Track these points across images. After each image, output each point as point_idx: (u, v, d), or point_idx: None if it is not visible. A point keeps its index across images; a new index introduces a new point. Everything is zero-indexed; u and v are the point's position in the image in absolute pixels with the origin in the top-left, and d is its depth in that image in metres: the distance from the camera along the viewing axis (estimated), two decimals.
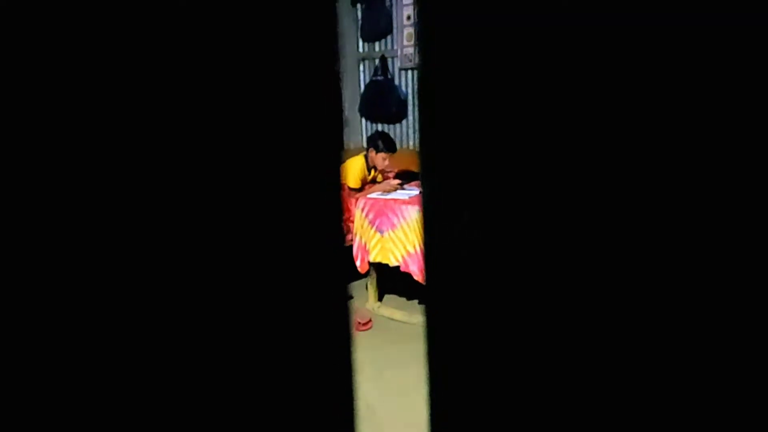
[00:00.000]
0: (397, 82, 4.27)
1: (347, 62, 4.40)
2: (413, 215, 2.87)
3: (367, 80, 4.45)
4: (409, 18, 4.11)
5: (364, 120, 4.63)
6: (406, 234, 2.91)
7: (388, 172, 3.52)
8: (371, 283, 3.24)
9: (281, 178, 0.31)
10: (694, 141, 0.28)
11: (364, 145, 3.80)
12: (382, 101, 4.26)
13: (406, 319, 3.05)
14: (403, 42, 4.17)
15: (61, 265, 0.29)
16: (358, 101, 4.46)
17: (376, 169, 3.50)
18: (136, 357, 0.31)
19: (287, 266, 0.32)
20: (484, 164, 0.33)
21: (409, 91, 4.25)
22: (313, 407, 0.34)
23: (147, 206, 0.29)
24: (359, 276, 3.21)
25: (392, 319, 3.10)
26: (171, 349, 0.31)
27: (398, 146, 3.58)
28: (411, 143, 4.26)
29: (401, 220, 2.93)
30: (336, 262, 0.33)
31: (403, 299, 3.30)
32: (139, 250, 0.30)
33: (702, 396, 0.30)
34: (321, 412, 0.34)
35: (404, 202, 2.98)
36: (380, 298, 3.30)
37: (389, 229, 2.97)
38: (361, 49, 4.55)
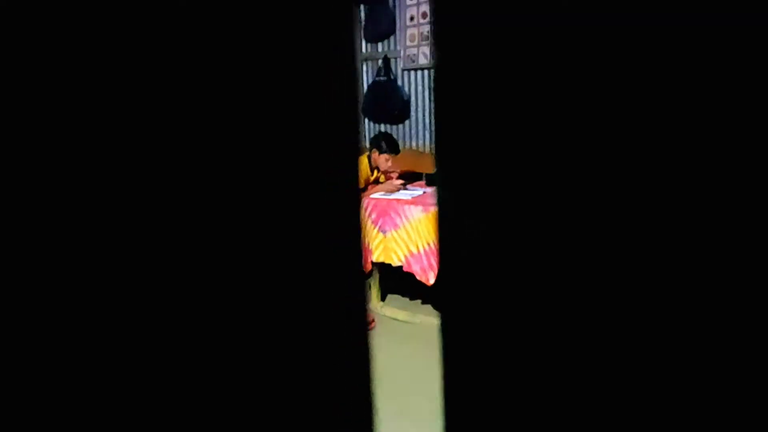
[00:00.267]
0: (399, 82, 4.27)
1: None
2: (416, 215, 2.88)
3: (370, 81, 4.45)
4: (412, 18, 4.11)
5: (366, 120, 4.63)
6: (408, 234, 2.92)
7: (390, 172, 3.53)
8: (374, 283, 3.24)
9: (302, 177, 0.31)
10: (714, 143, 0.29)
11: (367, 145, 3.81)
12: (384, 102, 4.26)
13: (409, 318, 3.05)
14: (406, 43, 4.17)
15: (84, 265, 0.29)
16: (361, 102, 4.46)
17: (378, 169, 3.50)
18: (158, 357, 0.31)
19: (305, 264, 0.32)
20: (498, 165, 0.33)
21: (412, 91, 4.25)
22: (332, 404, 0.34)
23: (173, 207, 0.29)
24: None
25: (395, 319, 3.10)
26: (191, 347, 0.32)
27: (401, 147, 3.58)
28: (413, 144, 4.26)
29: (404, 220, 2.93)
30: (353, 259, 0.33)
31: (406, 299, 3.30)
32: (160, 250, 0.30)
33: (724, 399, 0.30)
34: (339, 408, 0.35)
35: (407, 202, 2.99)
36: (383, 298, 3.30)
37: (392, 229, 2.98)
38: (364, 50, 4.55)
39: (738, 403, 0.30)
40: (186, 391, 0.32)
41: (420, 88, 4.21)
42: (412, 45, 4.14)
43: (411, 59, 4.18)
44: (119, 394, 0.31)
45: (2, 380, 0.29)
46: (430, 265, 2.83)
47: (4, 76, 0.27)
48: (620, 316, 0.32)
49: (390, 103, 4.24)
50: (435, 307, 3.09)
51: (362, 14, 4.39)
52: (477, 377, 0.36)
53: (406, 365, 2.48)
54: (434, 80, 0.35)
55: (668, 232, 0.30)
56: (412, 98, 4.26)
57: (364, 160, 3.47)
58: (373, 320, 3.04)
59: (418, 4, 4.05)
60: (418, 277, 2.89)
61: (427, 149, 4.13)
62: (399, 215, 2.95)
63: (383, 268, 3.15)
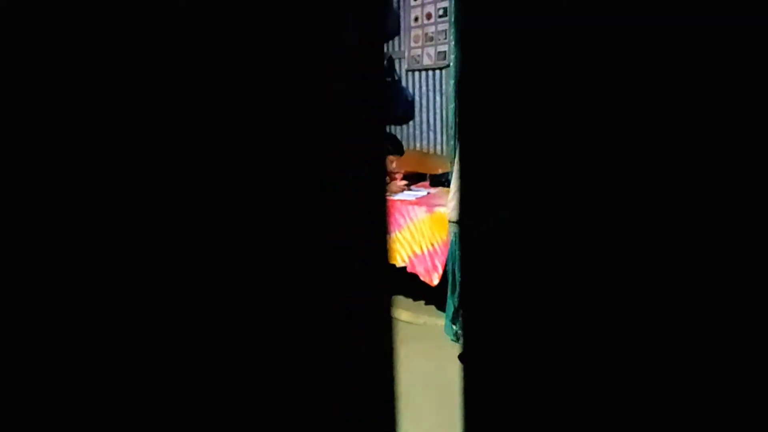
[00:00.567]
0: (404, 83, 4.27)
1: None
2: (420, 216, 2.88)
3: None
4: (416, 19, 4.11)
5: None
6: (412, 235, 2.92)
7: (395, 173, 3.53)
8: None
9: (331, 175, 0.31)
10: (730, 144, 0.29)
11: None
12: (389, 103, 4.26)
13: (413, 319, 3.05)
14: (411, 44, 4.17)
15: (80, 265, 0.29)
16: None
17: None
18: (182, 353, 0.31)
19: (335, 258, 0.32)
20: (518, 163, 0.33)
21: (416, 92, 4.25)
22: (357, 394, 0.35)
23: (204, 209, 0.30)
24: None
25: (399, 320, 3.10)
26: (217, 344, 0.32)
27: (405, 148, 3.58)
28: (418, 145, 4.26)
29: (408, 221, 2.93)
30: (381, 255, 0.33)
31: (410, 300, 3.29)
32: (189, 251, 0.30)
33: (744, 399, 0.31)
34: (364, 399, 0.35)
35: (411, 202, 2.99)
36: None
37: (396, 230, 2.98)
38: None
39: (744, 403, 0.30)
40: (206, 387, 0.33)
41: (424, 89, 4.20)
42: (417, 46, 4.14)
43: (415, 60, 4.18)
44: (127, 391, 0.31)
45: (2, 380, 0.29)
46: (434, 265, 2.83)
47: (4, 76, 0.27)
48: (641, 322, 0.32)
49: (394, 103, 4.24)
50: (439, 308, 3.09)
51: None
52: (496, 382, 0.36)
53: (410, 366, 2.48)
54: (457, 79, 0.36)
55: (687, 233, 0.30)
56: (417, 99, 4.25)
57: None
58: None
59: (422, 5, 4.05)
60: (421, 278, 2.89)
61: (432, 150, 4.13)
62: (403, 216, 2.95)
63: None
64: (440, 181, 3.34)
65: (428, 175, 3.58)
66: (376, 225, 0.33)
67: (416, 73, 4.22)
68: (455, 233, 2.42)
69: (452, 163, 2.70)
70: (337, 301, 0.32)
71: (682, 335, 0.31)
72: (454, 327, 2.68)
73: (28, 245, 0.29)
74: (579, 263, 0.33)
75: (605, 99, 0.31)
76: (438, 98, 4.07)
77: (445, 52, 3.85)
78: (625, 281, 0.32)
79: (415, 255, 2.91)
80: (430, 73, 4.11)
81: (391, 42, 4.32)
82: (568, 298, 0.34)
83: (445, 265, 2.73)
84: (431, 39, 4.03)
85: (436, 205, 2.86)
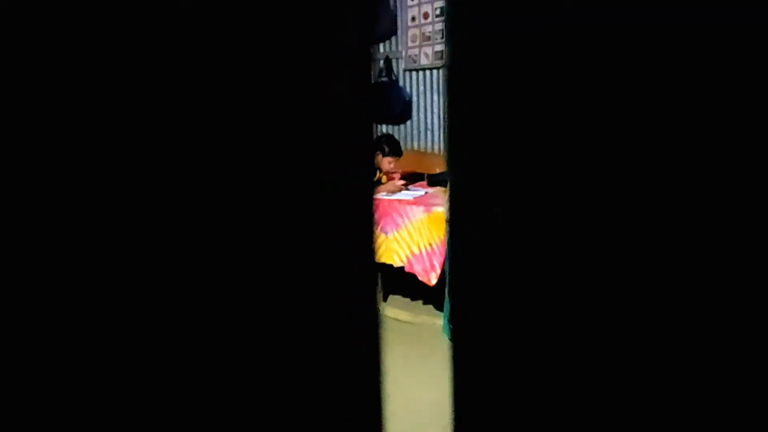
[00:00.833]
0: (401, 83, 4.27)
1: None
2: (418, 216, 2.88)
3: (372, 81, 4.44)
4: (413, 19, 4.11)
5: None
6: (410, 234, 2.92)
7: (392, 173, 3.53)
8: None
9: (316, 176, 0.32)
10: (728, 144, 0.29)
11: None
12: (386, 103, 4.26)
13: (411, 319, 3.05)
14: (408, 43, 4.17)
15: (83, 265, 0.29)
16: None
17: (380, 171, 3.50)
18: (168, 360, 0.31)
19: (320, 261, 0.32)
20: (509, 161, 0.33)
21: (414, 92, 4.25)
22: (343, 397, 0.35)
23: (177, 213, 0.30)
24: None
25: (397, 320, 3.10)
26: (200, 344, 0.32)
27: (402, 147, 3.58)
28: (415, 144, 4.26)
29: (406, 220, 2.93)
30: (367, 257, 0.33)
31: (408, 300, 3.29)
32: (177, 253, 0.30)
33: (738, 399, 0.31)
34: (350, 402, 0.35)
35: (409, 202, 2.99)
36: (385, 299, 3.29)
37: (394, 230, 2.97)
38: None
39: (744, 403, 0.30)
40: (196, 388, 0.33)
41: (422, 88, 4.21)
42: (414, 45, 4.14)
43: (412, 60, 4.18)
44: (125, 392, 0.31)
45: (2, 380, 0.29)
46: (432, 265, 2.83)
47: (4, 76, 0.27)
48: (635, 320, 0.32)
49: (391, 103, 4.24)
50: (437, 308, 3.09)
51: None
52: (486, 380, 0.36)
53: (408, 366, 2.48)
54: (446, 77, 0.36)
55: (683, 234, 0.30)
56: (414, 99, 4.25)
57: None
58: None
59: (419, 5, 4.05)
60: (419, 278, 2.89)
61: (429, 150, 4.13)
62: (401, 216, 2.95)
63: (385, 268, 3.15)
64: (438, 180, 3.34)
65: (426, 175, 3.58)
66: (363, 224, 0.33)
67: (414, 73, 4.22)
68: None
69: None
70: (322, 301, 0.32)
71: (676, 333, 0.31)
72: (452, 326, 2.68)
73: (27, 245, 0.29)
74: (571, 260, 0.33)
75: (596, 96, 0.31)
76: (436, 98, 4.07)
77: (442, 51, 3.85)
78: (617, 277, 0.32)
79: (413, 255, 2.90)
80: (428, 72, 4.11)
81: (388, 42, 4.32)
82: (561, 296, 0.34)
83: (443, 265, 2.73)
84: (428, 38, 4.03)
85: (434, 205, 2.86)
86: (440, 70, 3.95)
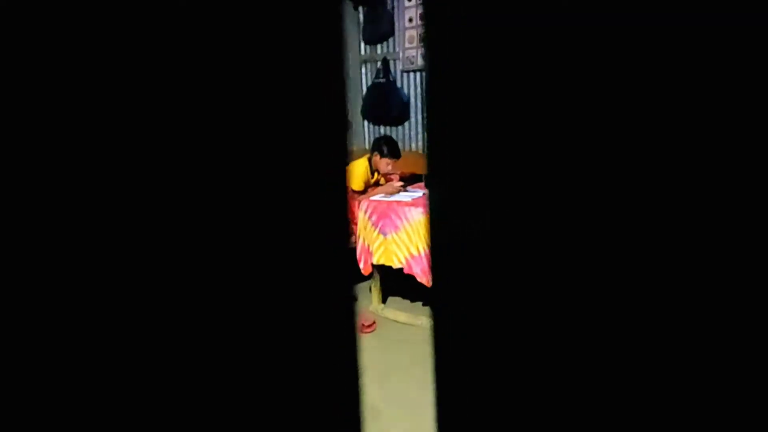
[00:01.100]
0: (399, 84, 4.28)
1: (349, 65, 4.41)
2: (416, 217, 2.88)
3: (369, 83, 4.46)
4: (411, 20, 4.12)
5: (366, 122, 4.64)
6: (409, 236, 2.92)
7: (391, 174, 3.53)
8: (375, 285, 3.24)
9: (286, 180, 0.31)
10: (707, 144, 0.28)
11: (367, 147, 3.81)
12: (384, 104, 4.27)
13: (410, 320, 3.05)
14: (405, 44, 4.18)
15: (72, 267, 0.29)
16: (360, 104, 4.47)
17: (379, 172, 3.51)
18: (131, 356, 0.31)
19: (293, 269, 0.32)
20: (491, 166, 0.33)
21: (411, 93, 4.26)
22: (319, 410, 0.34)
23: (145, 208, 0.29)
24: (363, 278, 3.21)
25: (396, 321, 3.10)
26: (172, 351, 0.32)
27: (401, 148, 3.59)
28: (413, 146, 4.27)
29: (404, 222, 2.93)
30: (341, 264, 0.33)
31: (407, 301, 3.30)
32: (138, 252, 0.30)
33: (710, 398, 0.30)
34: (327, 414, 0.34)
35: (407, 204, 2.99)
36: (384, 300, 3.30)
37: (392, 231, 2.98)
38: (362, 52, 4.56)
39: (734, 403, 0.30)
40: (174, 391, 0.32)
41: (419, 89, 4.21)
42: (411, 47, 4.15)
43: (410, 61, 4.19)
44: (112, 393, 0.31)
45: (2, 380, 0.29)
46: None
47: (4, 76, 0.27)
48: (615, 318, 0.31)
49: (389, 105, 4.25)
50: None
51: (361, 16, 4.40)
52: (468, 379, 0.36)
53: (408, 367, 2.48)
54: (426, 82, 0.35)
55: (662, 233, 0.29)
56: (412, 100, 4.26)
57: (364, 163, 3.48)
58: (374, 322, 3.04)
59: (416, 6, 4.06)
60: (418, 279, 2.89)
61: None
62: (399, 217, 2.95)
63: (384, 270, 3.15)
64: (427, 181, 3.34)
65: (424, 176, 3.58)
66: (336, 227, 0.32)
67: (411, 74, 4.22)
68: None
69: None
70: (293, 304, 0.32)
71: (663, 335, 0.31)
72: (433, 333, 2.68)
73: (26, 245, 0.28)
74: (552, 265, 0.33)
75: (580, 99, 0.30)
76: None
77: None
78: (602, 278, 0.32)
79: (412, 256, 2.91)
80: (426, 73, 4.12)
81: (385, 43, 4.34)
82: (544, 301, 0.33)
83: None
84: None
85: None
86: None
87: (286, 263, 0.32)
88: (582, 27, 0.29)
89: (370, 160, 3.48)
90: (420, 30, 4.06)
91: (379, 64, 4.34)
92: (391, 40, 4.30)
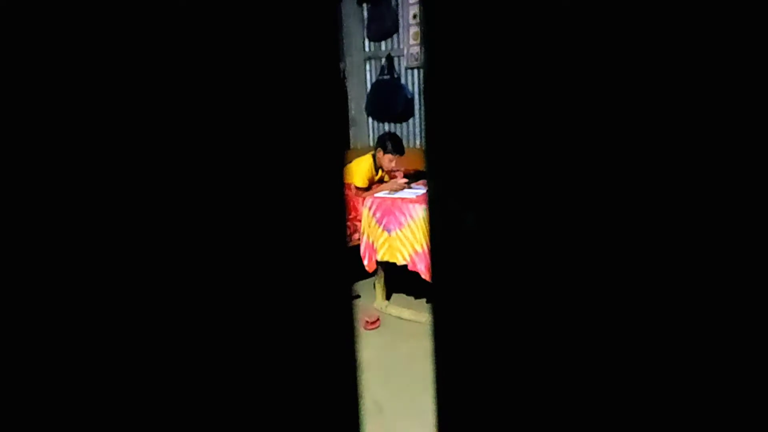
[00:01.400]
0: (403, 81, 4.27)
1: (353, 61, 4.41)
2: (420, 214, 2.87)
3: (374, 79, 4.45)
4: (415, 17, 4.10)
5: (371, 119, 4.63)
6: (413, 233, 2.91)
7: (395, 171, 3.53)
8: (379, 282, 3.24)
9: (284, 177, 0.31)
10: (698, 141, 0.28)
11: (372, 144, 3.80)
12: (388, 100, 4.26)
13: (414, 317, 3.05)
14: (410, 41, 4.17)
15: (64, 266, 0.29)
16: (365, 101, 4.46)
17: (383, 169, 3.50)
18: (136, 357, 0.31)
19: (291, 266, 0.32)
20: (489, 163, 0.33)
21: (416, 90, 4.24)
22: (319, 406, 0.35)
23: (146, 206, 0.29)
24: (367, 275, 3.21)
25: (400, 318, 3.10)
26: (173, 350, 0.32)
27: (405, 145, 3.58)
28: (418, 142, 4.26)
29: (408, 218, 2.93)
30: (339, 261, 0.33)
31: (411, 298, 3.29)
32: (138, 251, 0.30)
33: (704, 396, 0.30)
34: (326, 411, 0.35)
35: (411, 200, 2.98)
36: (388, 297, 3.30)
37: (396, 228, 2.97)
38: (367, 49, 4.55)
39: (733, 403, 0.30)
40: (171, 394, 0.32)
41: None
42: (415, 43, 4.13)
43: (414, 57, 4.17)
44: (111, 392, 0.31)
45: (2, 380, 0.29)
46: None
47: (4, 76, 0.27)
48: (612, 313, 0.31)
49: (394, 101, 4.24)
50: None
51: (365, 13, 4.39)
52: (469, 375, 0.36)
53: (412, 364, 2.48)
54: (424, 79, 0.35)
55: (657, 229, 0.29)
56: (416, 96, 4.25)
57: (369, 159, 3.47)
58: (378, 319, 3.04)
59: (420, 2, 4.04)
60: (423, 276, 2.89)
61: None
62: (403, 214, 2.95)
63: (388, 267, 3.15)
64: (427, 177, 3.33)
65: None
66: (333, 225, 0.32)
67: (416, 71, 4.21)
68: None
69: None
70: (291, 301, 0.32)
71: (658, 334, 0.31)
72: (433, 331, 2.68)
73: (26, 245, 0.29)
74: (551, 259, 0.33)
75: (578, 97, 0.30)
76: None
77: None
78: (596, 277, 0.32)
79: (416, 253, 2.90)
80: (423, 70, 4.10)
81: (390, 40, 4.33)
82: (541, 301, 0.33)
83: None
84: None
85: None
86: None
87: (283, 260, 0.32)
88: (582, 24, 0.29)
89: (374, 156, 3.47)
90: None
91: (383, 61, 4.33)
92: (395, 37, 4.29)
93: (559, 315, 0.33)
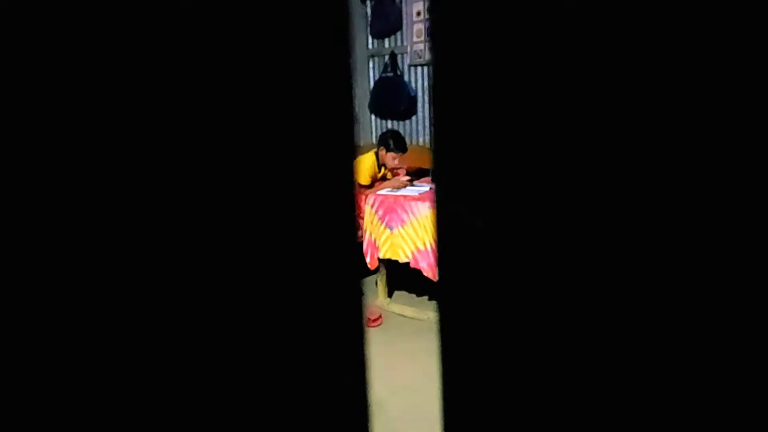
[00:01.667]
0: (406, 78, 4.26)
1: (357, 59, 4.40)
2: (423, 212, 2.87)
3: (377, 77, 4.44)
4: (419, 14, 4.10)
5: (373, 117, 4.62)
6: (415, 230, 2.91)
7: (397, 168, 3.53)
8: (381, 280, 3.24)
9: (294, 175, 0.31)
10: (704, 142, 0.28)
11: (374, 141, 3.80)
12: (391, 98, 4.26)
13: (416, 315, 3.05)
14: (413, 38, 4.16)
15: (86, 265, 0.29)
16: (368, 98, 4.46)
17: (386, 166, 3.50)
18: (148, 355, 0.31)
19: (300, 263, 0.32)
20: (496, 162, 0.33)
21: (419, 87, 4.24)
22: (326, 403, 0.35)
23: (158, 205, 0.29)
24: (369, 272, 3.21)
25: (402, 315, 3.10)
26: (180, 345, 0.32)
27: (408, 143, 3.58)
28: (420, 140, 4.26)
29: (411, 216, 2.93)
30: (349, 258, 0.33)
31: (413, 295, 3.30)
32: (150, 249, 0.30)
33: (709, 397, 0.30)
34: (334, 408, 0.35)
35: (414, 198, 2.98)
36: (390, 295, 3.30)
37: (399, 226, 2.97)
38: (370, 46, 4.54)
39: (733, 403, 0.30)
40: (179, 390, 0.32)
41: (427, 84, 4.19)
42: (419, 41, 4.13)
43: (418, 55, 4.17)
44: (114, 393, 0.31)
45: (2, 380, 0.29)
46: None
47: (4, 76, 0.27)
48: (617, 313, 0.31)
49: (397, 99, 4.24)
50: None
51: (369, 10, 4.39)
52: (474, 373, 0.36)
53: (414, 361, 2.48)
54: (432, 77, 0.35)
55: (661, 229, 0.29)
56: (419, 94, 4.25)
57: (371, 157, 3.47)
58: (380, 316, 3.05)
59: (424, 0, 4.04)
60: (425, 274, 2.89)
61: None
62: (406, 212, 2.95)
63: (390, 264, 3.15)
64: (433, 176, 3.32)
65: (431, 171, 3.56)
66: (344, 222, 0.32)
67: (419, 68, 4.20)
68: None
69: None
70: (301, 298, 0.32)
71: (663, 335, 0.31)
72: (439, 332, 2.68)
73: (26, 245, 0.29)
74: (557, 258, 0.33)
75: (583, 96, 0.30)
76: None
77: None
78: (602, 279, 0.32)
79: (419, 251, 2.90)
80: (431, 67, 4.09)
81: (393, 37, 4.32)
82: (549, 304, 0.33)
83: None
84: None
85: None
86: None
87: (294, 258, 0.32)
88: (588, 22, 0.29)
89: (377, 154, 3.47)
90: (427, 24, 4.03)
91: (386, 58, 4.32)
92: (398, 34, 4.28)
93: (565, 314, 0.33)
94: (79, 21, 0.27)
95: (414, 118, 4.32)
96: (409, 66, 4.26)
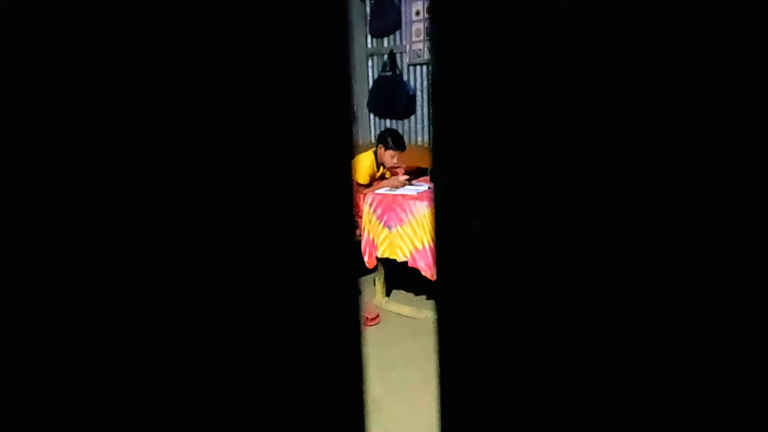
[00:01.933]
0: (405, 77, 4.26)
1: (356, 58, 4.40)
2: (421, 211, 2.87)
3: (376, 76, 4.44)
4: (418, 13, 4.10)
5: (372, 116, 4.63)
6: (414, 230, 2.92)
7: (396, 168, 3.53)
8: (379, 279, 3.25)
9: (293, 174, 0.31)
10: (710, 143, 0.28)
11: (373, 140, 3.80)
12: (390, 97, 4.26)
13: (414, 314, 3.06)
14: (412, 38, 4.16)
15: (86, 265, 0.29)
16: (367, 97, 4.46)
17: (384, 165, 3.50)
18: (143, 355, 0.31)
19: (298, 262, 0.32)
20: (495, 161, 0.33)
21: (418, 86, 4.24)
22: (323, 402, 0.35)
23: (155, 205, 0.29)
24: (367, 271, 3.22)
25: (400, 315, 3.10)
26: (180, 346, 0.32)
27: (406, 142, 3.58)
28: (419, 139, 4.26)
29: (409, 215, 2.93)
30: (347, 257, 0.33)
31: (411, 295, 3.30)
32: (148, 249, 0.30)
33: (710, 398, 0.30)
34: (331, 406, 0.35)
35: (412, 197, 2.98)
36: (388, 294, 3.30)
37: (397, 225, 2.98)
38: (369, 45, 4.54)
39: (733, 403, 0.30)
40: (177, 390, 0.32)
41: (426, 83, 4.19)
42: (418, 40, 4.13)
43: (416, 54, 4.17)
44: (114, 393, 0.31)
45: (2, 380, 0.29)
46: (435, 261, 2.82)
47: (4, 76, 0.27)
48: (616, 314, 0.31)
49: (395, 98, 4.24)
50: None
51: (368, 9, 4.39)
52: (472, 373, 0.36)
53: (411, 361, 2.49)
54: (431, 77, 0.35)
55: (660, 228, 0.29)
56: (418, 93, 4.25)
57: (370, 156, 3.47)
58: (377, 315, 3.05)
59: None
60: (423, 273, 2.89)
61: None
62: (404, 211, 2.95)
63: (388, 263, 3.16)
64: (432, 176, 3.33)
65: (429, 170, 3.57)
66: (342, 221, 0.32)
67: (418, 68, 4.21)
68: None
69: None
70: (299, 298, 0.32)
71: (663, 335, 0.31)
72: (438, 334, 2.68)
73: (26, 245, 0.29)
74: (556, 258, 0.33)
75: (584, 96, 0.30)
76: None
77: None
78: (601, 276, 0.32)
79: (417, 250, 2.91)
80: (431, 67, 4.10)
81: (392, 36, 4.32)
82: (547, 295, 0.33)
83: None
84: None
85: None
86: None
87: (291, 256, 0.32)
88: (588, 22, 0.29)
89: (375, 153, 3.47)
90: (427, 23, 4.04)
91: (385, 57, 4.32)
92: (397, 33, 4.28)
93: (563, 314, 0.33)
94: (78, 20, 0.27)
95: (413, 117, 4.32)
96: (408, 65, 4.26)
